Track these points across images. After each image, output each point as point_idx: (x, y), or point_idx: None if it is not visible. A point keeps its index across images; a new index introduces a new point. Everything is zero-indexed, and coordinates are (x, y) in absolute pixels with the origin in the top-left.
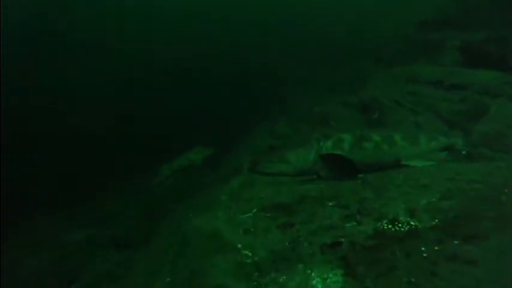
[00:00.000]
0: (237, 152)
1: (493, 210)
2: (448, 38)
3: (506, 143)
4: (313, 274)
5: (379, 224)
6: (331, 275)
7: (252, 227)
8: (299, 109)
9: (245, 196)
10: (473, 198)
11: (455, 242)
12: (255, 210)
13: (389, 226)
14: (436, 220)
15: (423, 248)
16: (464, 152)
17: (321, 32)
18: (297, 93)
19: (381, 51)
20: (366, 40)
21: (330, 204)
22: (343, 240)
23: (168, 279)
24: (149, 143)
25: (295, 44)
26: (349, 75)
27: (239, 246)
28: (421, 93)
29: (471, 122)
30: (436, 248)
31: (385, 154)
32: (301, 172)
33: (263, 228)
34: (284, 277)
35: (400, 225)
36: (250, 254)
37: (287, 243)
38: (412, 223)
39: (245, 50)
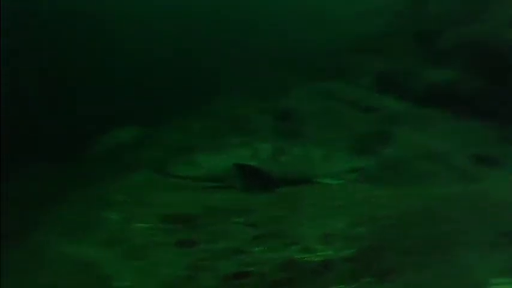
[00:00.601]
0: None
1: (405, 241)
2: (367, 62)
3: (410, 169)
4: None
5: (292, 250)
6: None
7: (145, 244)
8: (217, 108)
9: (145, 199)
10: (385, 226)
11: (371, 279)
12: (153, 219)
13: (303, 255)
14: (351, 250)
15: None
16: (373, 174)
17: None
18: (216, 94)
19: (306, 63)
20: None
21: (239, 220)
22: (251, 269)
23: None
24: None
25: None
26: (270, 84)
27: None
28: (337, 111)
29: (379, 144)
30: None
31: (300, 170)
32: (213, 179)
33: (159, 245)
34: None
35: (313, 254)
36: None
37: (185, 271)
38: (325, 252)
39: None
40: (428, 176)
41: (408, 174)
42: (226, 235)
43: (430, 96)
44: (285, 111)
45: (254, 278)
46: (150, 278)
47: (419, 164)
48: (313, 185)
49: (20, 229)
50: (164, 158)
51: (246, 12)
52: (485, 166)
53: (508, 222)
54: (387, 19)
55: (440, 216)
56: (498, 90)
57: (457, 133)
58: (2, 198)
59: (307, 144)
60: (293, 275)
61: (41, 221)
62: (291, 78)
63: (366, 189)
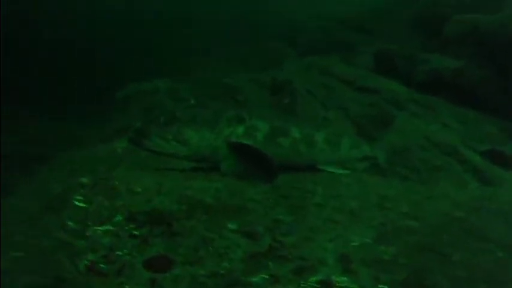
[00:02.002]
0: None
1: (445, 272)
2: (363, 41)
3: (421, 161)
4: None
5: (304, 284)
6: None
7: (102, 263)
8: (207, 78)
9: (112, 184)
10: (415, 247)
11: None
12: (119, 218)
13: None
14: (381, 286)
15: None
16: (382, 166)
17: (242, 14)
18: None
19: (297, 37)
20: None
21: (231, 226)
22: None
23: None
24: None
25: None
26: (263, 55)
27: None
28: (332, 89)
29: (377, 128)
30: None
31: (301, 155)
32: (200, 159)
33: (123, 266)
34: None
35: None
36: None
37: None
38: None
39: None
40: (441, 170)
41: (419, 167)
42: (214, 251)
43: (431, 83)
44: (279, 84)
45: None
46: None
47: (429, 155)
48: (316, 173)
49: None
50: (145, 127)
51: None
52: (496, 163)
53: None
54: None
55: (478, 233)
56: (503, 81)
57: (462, 124)
58: None
59: (307, 125)
60: None
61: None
62: (287, 51)
63: (378, 186)
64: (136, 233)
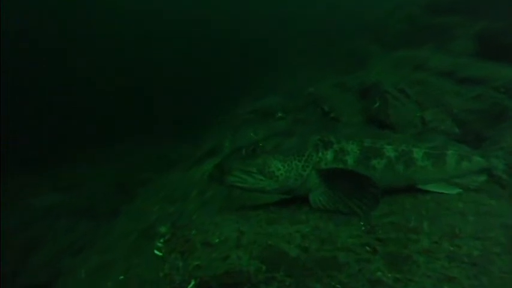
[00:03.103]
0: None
1: None
2: (458, 24)
3: None
4: None
5: None
6: None
7: None
8: (294, 88)
9: (189, 236)
10: None
11: None
12: (191, 284)
13: None
14: None
15: None
16: (502, 178)
17: (317, 13)
18: (290, 72)
19: (382, 32)
20: (365, 21)
21: None
22: None
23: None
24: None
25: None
26: (346, 57)
27: None
28: (429, 84)
29: (487, 125)
30: None
31: (398, 177)
32: (288, 191)
33: None
34: None
35: None
36: None
37: None
38: None
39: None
40: None
41: None
42: None
43: None
44: (367, 88)
45: None
46: None
47: None
48: (417, 196)
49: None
50: (226, 162)
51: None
52: None
53: None
54: None
55: None
56: None
57: None
58: None
59: (401, 137)
60: None
61: None
62: (367, 49)
63: (504, 213)
64: None
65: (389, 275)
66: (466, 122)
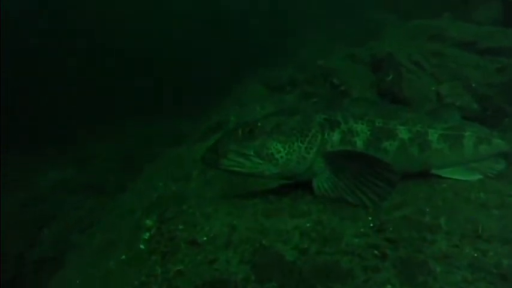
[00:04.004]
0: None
1: None
2: None
3: None
4: None
5: None
6: None
7: None
8: (300, 60)
9: (175, 233)
10: None
11: None
12: None
13: None
14: None
15: None
16: None
17: None
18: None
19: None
20: None
21: None
22: None
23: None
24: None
25: None
26: (358, 26)
27: None
28: (446, 56)
29: (509, 100)
30: None
31: (412, 161)
32: (289, 176)
33: None
34: None
35: None
36: None
37: None
38: None
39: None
40: None
41: None
42: None
43: None
44: (379, 59)
45: None
46: None
47: None
48: (433, 184)
49: None
50: (221, 144)
51: None
52: None
53: None
54: None
55: None
56: None
57: None
58: None
59: (416, 115)
60: None
61: None
62: (380, 18)
63: None
64: None
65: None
66: (486, 96)
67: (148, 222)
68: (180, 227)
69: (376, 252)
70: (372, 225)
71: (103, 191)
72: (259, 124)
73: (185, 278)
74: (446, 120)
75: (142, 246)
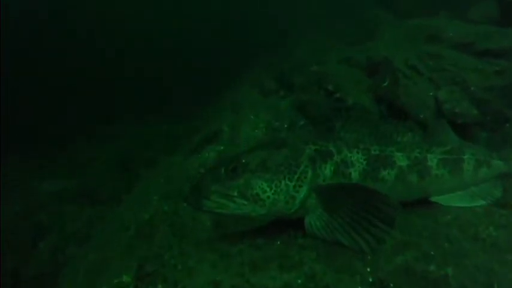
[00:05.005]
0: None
1: None
2: None
3: None
4: None
5: None
6: None
7: None
8: (293, 65)
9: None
10: None
11: None
12: None
13: None
14: None
15: None
16: None
17: None
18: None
19: None
20: None
21: None
22: None
23: None
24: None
25: None
26: (357, 25)
27: None
28: (444, 58)
29: (509, 104)
30: None
31: (410, 189)
32: (278, 215)
33: None
34: None
35: None
36: None
37: None
38: None
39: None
40: None
41: None
42: None
43: None
44: (375, 64)
45: None
46: None
47: None
48: (434, 212)
49: None
50: (203, 183)
51: None
52: None
53: None
54: None
55: None
56: None
57: None
58: None
59: (415, 142)
60: None
61: None
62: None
63: None
64: None
65: None
66: (485, 101)
67: (126, 278)
68: (159, 286)
69: None
70: (371, 280)
71: (100, 200)
72: (243, 161)
73: None
74: (444, 142)
75: None
